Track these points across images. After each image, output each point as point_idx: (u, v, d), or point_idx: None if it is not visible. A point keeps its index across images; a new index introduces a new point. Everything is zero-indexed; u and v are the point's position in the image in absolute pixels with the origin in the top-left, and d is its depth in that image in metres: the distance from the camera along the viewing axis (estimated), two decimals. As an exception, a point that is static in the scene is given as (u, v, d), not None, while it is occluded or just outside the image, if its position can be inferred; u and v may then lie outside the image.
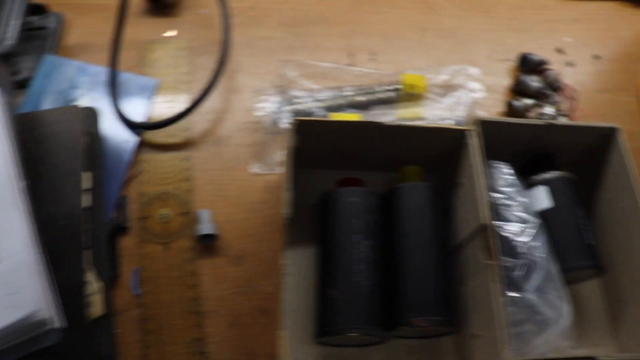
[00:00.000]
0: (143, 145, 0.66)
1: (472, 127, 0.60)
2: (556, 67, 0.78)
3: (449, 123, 0.69)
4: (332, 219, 0.58)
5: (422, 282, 0.56)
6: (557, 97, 0.75)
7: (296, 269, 0.61)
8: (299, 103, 0.67)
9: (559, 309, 0.56)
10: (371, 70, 0.71)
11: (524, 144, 0.65)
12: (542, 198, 0.63)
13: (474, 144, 0.59)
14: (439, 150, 0.63)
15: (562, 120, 0.62)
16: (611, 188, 0.64)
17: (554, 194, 0.62)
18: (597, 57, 0.81)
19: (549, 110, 0.73)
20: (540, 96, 0.75)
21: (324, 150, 0.62)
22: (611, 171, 0.64)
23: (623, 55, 0.82)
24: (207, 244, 0.61)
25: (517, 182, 0.61)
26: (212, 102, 0.69)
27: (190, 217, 0.62)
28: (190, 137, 0.67)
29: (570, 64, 0.79)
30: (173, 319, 0.58)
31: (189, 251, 0.61)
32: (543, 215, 0.62)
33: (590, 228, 0.62)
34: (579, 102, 0.76)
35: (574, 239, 0.61)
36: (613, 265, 0.63)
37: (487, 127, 0.61)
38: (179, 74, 0.70)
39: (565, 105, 0.76)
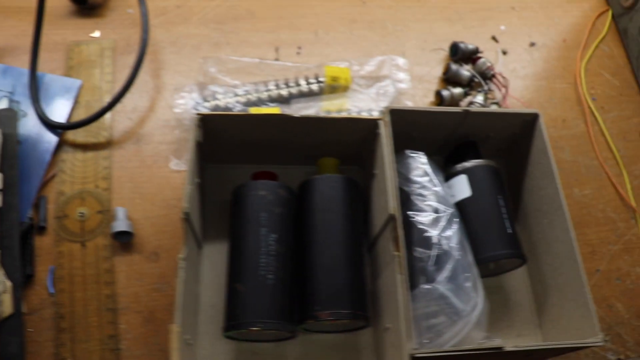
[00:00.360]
0: (64, 145, 0.65)
1: (382, 117, 0.58)
2: (491, 55, 0.77)
3: (375, 114, 0.67)
4: (240, 213, 0.57)
5: (330, 275, 0.54)
6: (489, 86, 0.73)
7: (211, 265, 0.60)
8: (218, 99, 0.66)
9: (472, 300, 0.54)
10: (295, 63, 0.70)
11: (448, 132, 0.63)
12: (461, 187, 0.61)
13: (384, 134, 0.57)
14: (354, 142, 0.61)
15: (478, 108, 0.59)
16: (534, 175, 0.62)
17: (474, 182, 0.60)
18: (533, 44, 0.79)
19: (479, 99, 0.71)
20: (473, 85, 0.73)
21: (239, 145, 0.61)
22: (534, 158, 0.62)
23: (559, 43, 0.79)
24: (123, 241, 0.60)
25: (433, 171, 0.59)
26: (135, 101, 0.68)
27: (108, 215, 0.61)
28: (112, 136, 0.66)
29: (505, 52, 0.77)
30: (88, 317, 0.57)
31: (105, 249, 0.60)
32: (463, 204, 0.60)
33: (512, 217, 0.60)
34: (510, 90, 0.74)
35: (494, 228, 0.58)
36: (537, 254, 0.61)
37: (404, 117, 0.59)
38: (104, 74, 0.69)
39: (497, 94, 0.74)
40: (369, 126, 0.59)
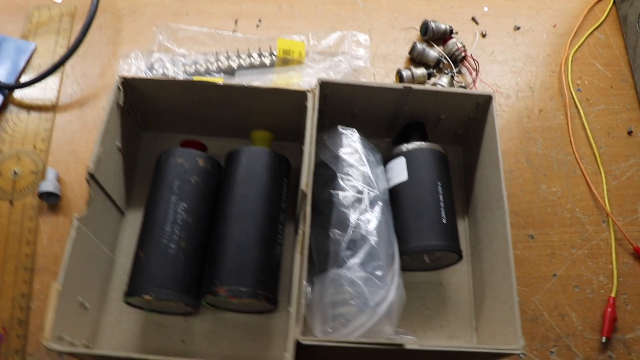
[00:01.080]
0: (10, 105, 0.63)
1: (311, 89, 0.53)
2: (469, 37, 0.69)
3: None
4: (156, 179, 0.53)
5: (237, 250, 0.49)
6: (459, 69, 0.66)
7: (133, 232, 0.56)
8: (164, 67, 0.62)
9: (381, 290, 0.48)
10: (249, 35, 0.65)
11: (391, 111, 0.57)
12: (398, 170, 0.54)
13: (310, 107, 0.52)
14: (287, 115, 0.56)
15: (421, 86, 0.53)
16: (484, 164, 0.55)
17: (412, 166, 0.54)
18: (517, 28, 0.71)
19: (443, 81, 0.64)
20: (441, 67, 0.66)
21: (172, 112, 0.58)
22: (485, 145, 0.55)
23: (549, 28, 0.71)
24: (50, 202, 0.58)
25: (366, 150, 0.54)
26: (86, 67, 0.66)
27: (40, 176, 0.59)
28: (58, 100, 0.64)
29: (484, 35, 0.70)
30: (4, 273, 0.55)
31: (32, 209, 0.58)
32: (398, 189, 0.54)
33: (452, 207, 0.53)
34: (483, 75, 0.66)
35: (427, 217, 0.52)
36: (480, 250, 0.54)
37: (340, 91, 0.54)
38: (59, 39, 0.67)
39: (469, 78, 0.66)
40: (297, 98, 0.54)
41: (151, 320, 0.53)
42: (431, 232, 0.51)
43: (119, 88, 0.53)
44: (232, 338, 0.52)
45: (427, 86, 0.53)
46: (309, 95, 0.53)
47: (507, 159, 0.63)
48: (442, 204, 0.53)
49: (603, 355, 0.54)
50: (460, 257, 0.53)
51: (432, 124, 0.59)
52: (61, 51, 0.66)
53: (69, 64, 0.65)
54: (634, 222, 0.60)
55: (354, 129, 0.54)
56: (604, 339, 0.54)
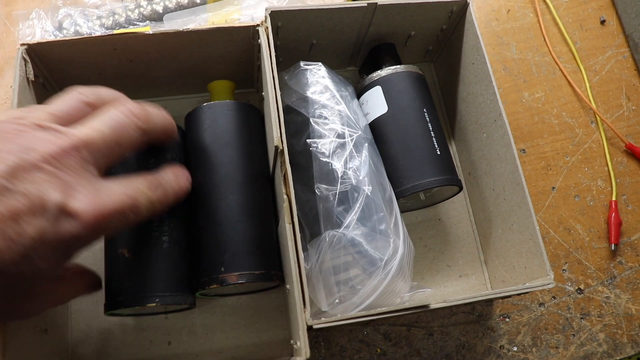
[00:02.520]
0: None
1: (261, 23, 0.42)
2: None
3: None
4: (124, 163, 0.41)
5: (234, 228, 0.39)
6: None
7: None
8: (77, 24, 0.49)
9: (390, 246, 0.40)
10: (169, -31, 0.52)
11: (356, 36, 0.47)
12: (376, 102, 0.45)
13: (265, 45, 0.41)
14: (236, 57, 0.45)
15: (387, 0, 0.43)
16: (468, 80, 0.47)
17: (390, 95, 0.45)
18: None
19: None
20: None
21: (102, 78, 0.45)
22: (466, 59, 0.47)
23: None
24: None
25: (336, 85, 0.44)
26: (-21, 37, 0.51)
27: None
28: (-48, 83, 0.50)
29: None
30: None
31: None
32: (379, 123, 0.45)
33: (441, 134, 0.45)
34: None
35: (419, 151, 0.43)
36: (478, 177, 0.47)
37: (294, 19, 0.43)
38: (-64, 7, 0.52)
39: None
40: (248, 36, 0.43)
41: (128, 325, 0.43)
42: (427, 167, 0.43)
43: (24, 59, 0.40)
44: (225, 327, 0.44)
45: (395, 0, 0.43)
46: (261, 31, 0.42)
47: (482, 70, 0.54)
48: (432, 133, 0.44)
49: (613, 262, 0.49)
50: (460, 188, 0.45)
51: (401, 43, 0.49)
52: (-60, 23, 0.51)
53: (-47, 37, 0.50)
54: (622, 118, 0.54)
55: (320, 63, 0.44)
56: (612, 247, 0.49)
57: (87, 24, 0.49)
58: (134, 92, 0.47)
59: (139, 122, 0.32)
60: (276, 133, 0.38)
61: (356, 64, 0.51)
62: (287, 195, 0.37)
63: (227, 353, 0.43)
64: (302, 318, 0.34)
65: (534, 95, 0.54)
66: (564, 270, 0.48)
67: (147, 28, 0.49)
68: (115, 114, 0.31)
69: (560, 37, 0.56)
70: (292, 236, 0.36)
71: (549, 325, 0.46)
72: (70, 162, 0.28)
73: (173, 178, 0.35)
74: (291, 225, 0.36)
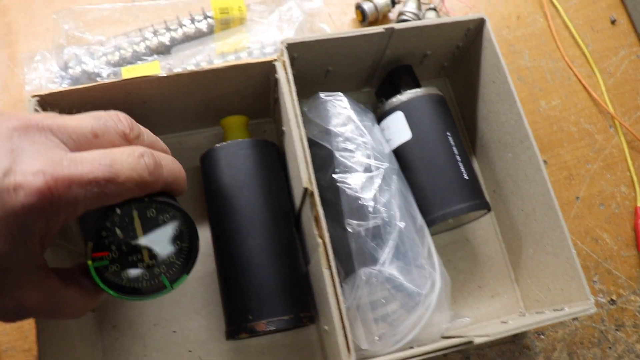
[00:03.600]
0: None
1: (279, 56, 0.40)
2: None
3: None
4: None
5: (260, 273, 0.39)
6: (423, -11, 0.54)
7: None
8: (83, 63, 0.47)
9: (428, 280, 0.39)
10: (172, 0, 0.50)
11: (372, 59, 0.46)
12: (398, 128, 0.44)
13: (283, 80, 0.39)
14: (252, 91, 0.44)
15: (405, 24, 0.42)
16: (488, 98, 0.46)
17: (413, 119, 0.44)
18: None
19: (410, 6, 0.52)
20: (402, -9, 0.54)
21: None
22: (485, 77, 0.45)
23: None
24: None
25: (358, 114, 0.42)
26: (-19, 81, 0.49)
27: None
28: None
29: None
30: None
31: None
32: (403, 150, 0.44)
33: (467, 156, 0.44)
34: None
35: (447, 177, 0.43)
36: (504, 196, 0.46)
37: (310, 49, 0.42)
38: None
39: (435, -3, 0.55)
40: (264, 70, 0.41)
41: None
42: (456, 193, 0.42)
43: (36, 110, 0.38)
44: (261, 367, 0.43)
45: (412, 23, 0.42)
46: (278, 65, 0.40)
47: (497, 80, 0.53)
48: (458, 157, 0.43)
49: (643, 268, 0.48)
50: (489, 211, 0.44)
51: (417, 63, 0.48)
52: (-60, 70, 0.49)
53: (-43, 85, 0.48)
54: (640, 119, 0.53)
55: (340, 93, 0.42)
56: (641, 253, 0.48)
57: (92, 62, 0.47)
58: (152, 127, 0.46)
59: (143, 172, 0.28)
60: (304, 174, 0.37)
61: (371, 85, 0.50)
62: (322, 239, 0.36)
63: (265, 394, 0.42)
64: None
65: (551, 104, 0.53)
66: (594, 281, 0.47)
67: (156, 63, 0.47)
68: (124, 152, 0.28)
69: (572, 41, 0.55)
70: (331, 281, 0.35)
71: (584, 340, 0.46)
72: (37, 137, 0.26)
73: (165, 152, 0.32)
74: (329, 270, 0.35)
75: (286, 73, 0.40)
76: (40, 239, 0.25)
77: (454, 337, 0.38)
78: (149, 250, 0.31)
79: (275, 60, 0.40)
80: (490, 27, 0.43)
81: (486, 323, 0.45)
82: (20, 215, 0.23)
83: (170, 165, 0.31)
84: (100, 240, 0.30)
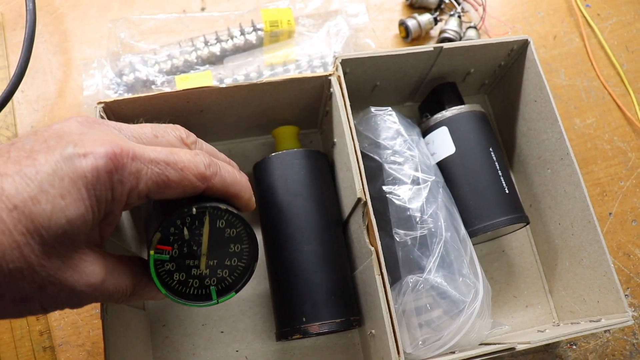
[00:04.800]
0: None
1: (333, 72, 0.43)
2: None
3: (329, 61, 0.52)
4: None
5: (314, 278, 0.41)
6: (462, 7, 0.57)
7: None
8: (137, 70, 0.50)
9: (470, 288, 0.41)
10: (224, 12, 0.53)
11: (419, 76, 0.49)
12: (443, 142, 0.47)
13: (338, 94, 0.42)
14: (304, 103, 0.47)
15: (453, 44, 0.44)
16: (529, 116, 0.48)
17: (457, 135, 0.46)
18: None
19: (452, 25, 0.55)
20: (443, 8, 0.57)
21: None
22: (527, 96, 0.48)
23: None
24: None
25: (406, 129, 0.45)
26: (39, 87, 0.52)
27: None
28: (17, 134, 0.51)
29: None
30: (19, 362, 0.45)
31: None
32: (447, 164, 0.46)
33: (507, 171, 0.46)
34: (487, 8, 0.58)
35: (489, 191, 0.45)
36: (541, 210, 0.48)
37: (362, 64, 0.44)
38: (-6, 57, 0.53)
39: (473, 15, 0.58)
40: (319, 84, 0.44)
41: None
42: (497, 207, 0.45)
43: (101, 116, 0.41)
44: (306, 366, 0.45)
45: (460, 42, 0.45)
46: (333, 80, 0.43)
47: (533, 97, 0.56)
48: (499, 172, 0.46)
49: (672, 284, 0.51)
50: (527, 224, 0.46)
51: (460, 80, 0.50)
52: (0, 74, 0.52)
53: (18, 89, 0.51)
54: (672, 138, 0.55)
55: (390, 108, 0.45)
56: (671, 269, 0.51)
57: (146, 69, 0.50)
58: (200, 137, 0.49)
59: (200, 165, 0.30)
60: (358, 185, 0.40)
61: (414, 100, 0.53)
62: (374, 247, 0.39)
63: (310, 393, 0.45)
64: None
65: (585, 122, 0.55)
66: (626, 295, 0.50)
67: (209, 72, 0.50)
68: (183, 149, 0.31)
69: (607, 61, 0.58)
70: (383, 287, 0.38)
71: (616, 352, 0.48)
72: (104, 127, 0.29)
73: (225, 161, 0.35)
74: (380, 276, 0.38)
75: (340, 87, 0.42)
76: (105, 213, 0.27)
77: (493, 343, 0.40)
78: (208, 259, 0.32)
79: (330, 74, 0.43)
80: (533, 48, 0.46)
81: (522, 331, 0.47)
82: (89, 179, 0.26)
83: (230, 170, 0.33)
84: (168, 235, 0.31)
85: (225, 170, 0.32)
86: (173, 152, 0.29)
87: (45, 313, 0.27)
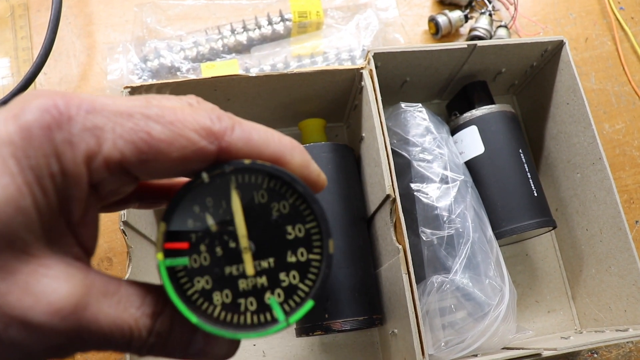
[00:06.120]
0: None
1: (365, 65, 0.43)
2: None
3: (357, 54, 0.52)
4: None
5: (338, 274, 0.41)
6: (493, 4, 0.56)
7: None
8: (163, 56, 0.50)
9: (496, 291, 0.41)
10: (252, 1, 0.53)
11: (449, 73, 0.48)
12: (472, 142, 0.46)
13: (369, 88, 0.42)
14: (333, 96, 0.46)
15: (486, 41, 0.44)
16: (560, 119, 0.48)
17: (487, 135, 0.46)
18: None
19: (483, 22, 0.55)
20: (474, 6, 0.57)
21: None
22: (559, 98, 0.48)
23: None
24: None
25: (435, 126, 0.45)
26: (63, 70, 0.52)
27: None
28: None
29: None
30: None
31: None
32: (475, 164, 0.46)
33: (536, 173, 0.46)
34: (519, 8, 0.57)
35: (517, 193, 0.45)
36: (567, 214, 0.48)
37: (394, 59, 0.44)
38: (18, 40, 0.53)
39: (504, 13, 0.57)
40: (349, 77, 0.44)
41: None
42: (525, 210, 0.45)
43: (130, 102, 0.41)
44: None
45: (494, 41, 0.44)
46: (365, 74, 0.43)
47: (562, 100, 0.55)
48: (529, 174, 0.45)
49: (697, 296, 0.50)
50: (554, 228, 0.46)
51: (490, 79, 0.50)
52: (24, 55, 0.52)
53: (41, 71, 0.51)
54: (702, 148, 0.55)
55: (420, 104, 0.45)
56: (697, 280, 0.50)
57: (171, 56, 0.50)
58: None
59: (200, 114, 0.20)
60: (387, 181, 0.39)
61: (442, 97, 0.52)
62: (402, 245, 0.38)
63: (326, 390, 0.45)
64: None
65: (615, 127, 0.55)
66: (650, 305, 0.49)
67: (235, 61, 0.50)
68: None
69: (639, 66, 0.57)
70: (409, 286, 0.38)
71: (638, 362, 0.48)
72: None
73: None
74: (407, 275, 0.38)
75: (372, 81, 0.42)
76: (62, 197, 0.18)
77: (516, 348, 0.40)
78: (255, 257, 0.21)
79: (362, 68, 0.43)
80: (568, 50, 0.46)
81: (543, 337, 0.47)
82: (18, 143, 0.17)
83: (259, 127, 0.22)
84: (183, 228, 0.20)
85: (251, 125, 0.21)
86: (159, 104, 0.20)
87: None
